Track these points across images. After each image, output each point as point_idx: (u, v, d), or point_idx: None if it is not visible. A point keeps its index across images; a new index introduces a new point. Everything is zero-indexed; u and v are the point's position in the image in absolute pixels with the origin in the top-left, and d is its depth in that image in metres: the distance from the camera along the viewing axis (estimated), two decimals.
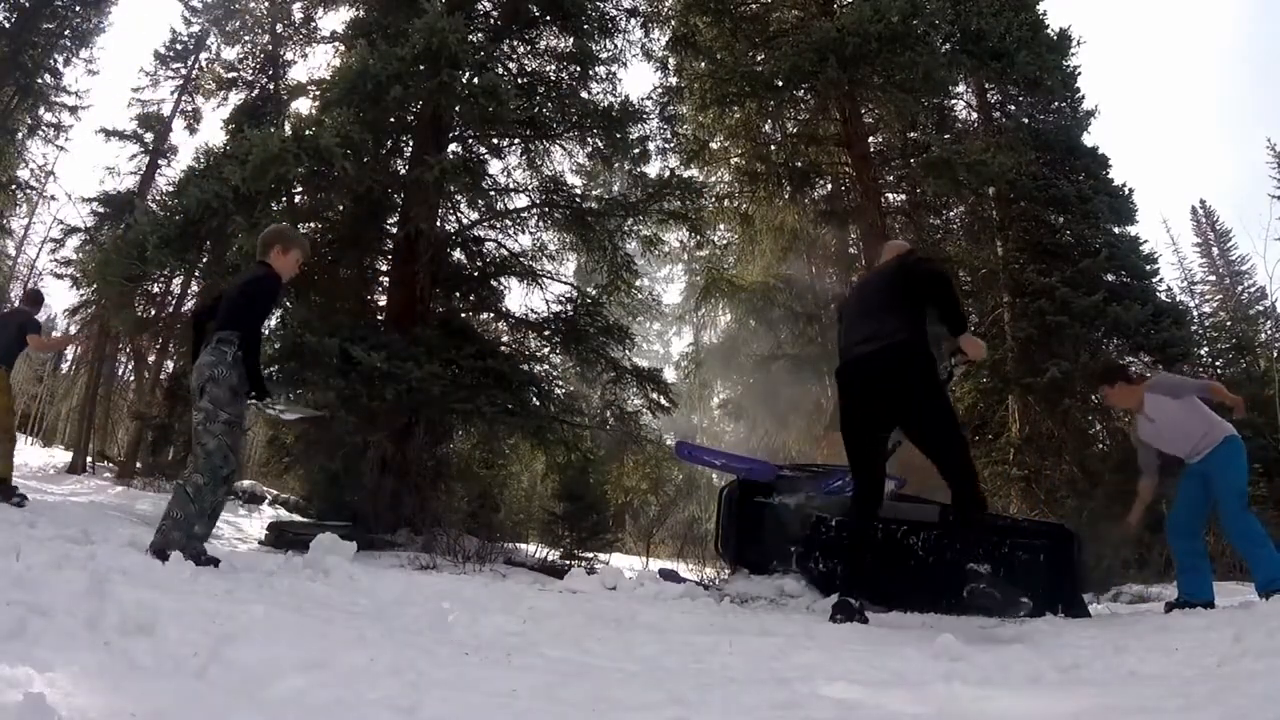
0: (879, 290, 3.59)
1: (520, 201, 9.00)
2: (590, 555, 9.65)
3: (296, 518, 9.16)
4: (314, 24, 10.51)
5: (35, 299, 6.76)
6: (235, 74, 11.46)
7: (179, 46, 15.03)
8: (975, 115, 12.07)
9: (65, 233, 14.92)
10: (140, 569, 2.70)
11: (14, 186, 15.58)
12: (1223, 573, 5.84)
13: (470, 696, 1.54)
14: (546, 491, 11.65)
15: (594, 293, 9.07)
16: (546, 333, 8.76)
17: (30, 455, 15.98)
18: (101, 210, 14.28)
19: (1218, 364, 12.29)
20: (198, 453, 3.44)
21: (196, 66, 14.90)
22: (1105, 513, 7.61)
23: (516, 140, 8.92)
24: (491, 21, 8.98)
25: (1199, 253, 20.70)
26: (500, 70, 8.31)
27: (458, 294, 8.90)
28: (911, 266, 3.47)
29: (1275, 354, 12.16)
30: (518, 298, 33.78)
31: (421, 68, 6.85)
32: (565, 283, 9.22)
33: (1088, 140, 11.26)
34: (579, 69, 8.92)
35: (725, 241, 11.94)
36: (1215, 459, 4.07)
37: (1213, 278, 20.40)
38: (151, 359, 15.26)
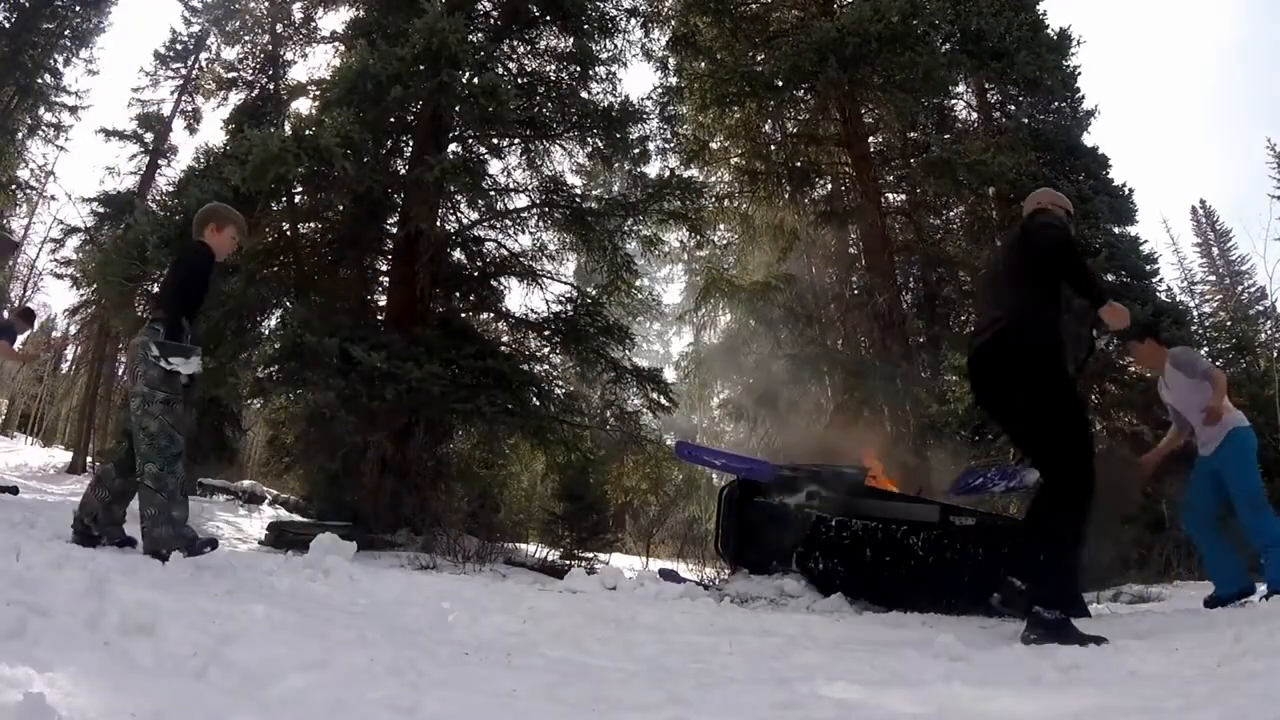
0: (1004, 260, 3.10)
1: (520, 201, 9.01)
2: (590, 555, 9.65)
3: (296, 518, 9.16)
4: (314, 24, 10.52)
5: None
6: (235, 74, 11.45)
7: (179, 46, 15.05)
8: (975, 115, 12.06)
9: (65, 233, 14.97)
10: (140, 569, 2.70)
11: (14, 186, 15.59)
12: None
13: (470, 696, 1.54)
14: (546, 491, 11.65)
15: (594, 293, 9.06)
16: (546, 333, 8.75)
17: (30, 455, 16.00)
18: (101, 210, 14.30)
19: (1218, 364, 12.28)
20: (141, 439, 3.36)
21: (196, 66, 14.92)
22: (1105, 513, 7.61)
23: (516, 140, 8.92)
24: (491, 21, 8.98)
25: (1199, 253, 20.73)
26: (500, 70, 8.31)
27: (458, 294, 8.89)
28: (1030, 233, 2.92)
29: (1275, 354, 12.16)
30: (518, 298, 33.79)
31: (421, 68, 6.85)
32: (565, 283, 9.23)
33: (1088, 140, 11.25)
34: (579, 69, 8.92)
35: (725, 241, 11.92)
36: (1223, 455, 4.02)
37: (1213, 278, 20.42)
38: None
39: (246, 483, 13.09)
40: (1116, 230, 10.60)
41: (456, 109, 7.59)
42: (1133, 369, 10.41)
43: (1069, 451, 2.72)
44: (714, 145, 11.03)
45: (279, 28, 10.91)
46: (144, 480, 3.33)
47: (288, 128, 7.53)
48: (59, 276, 15.17)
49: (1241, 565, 4.05)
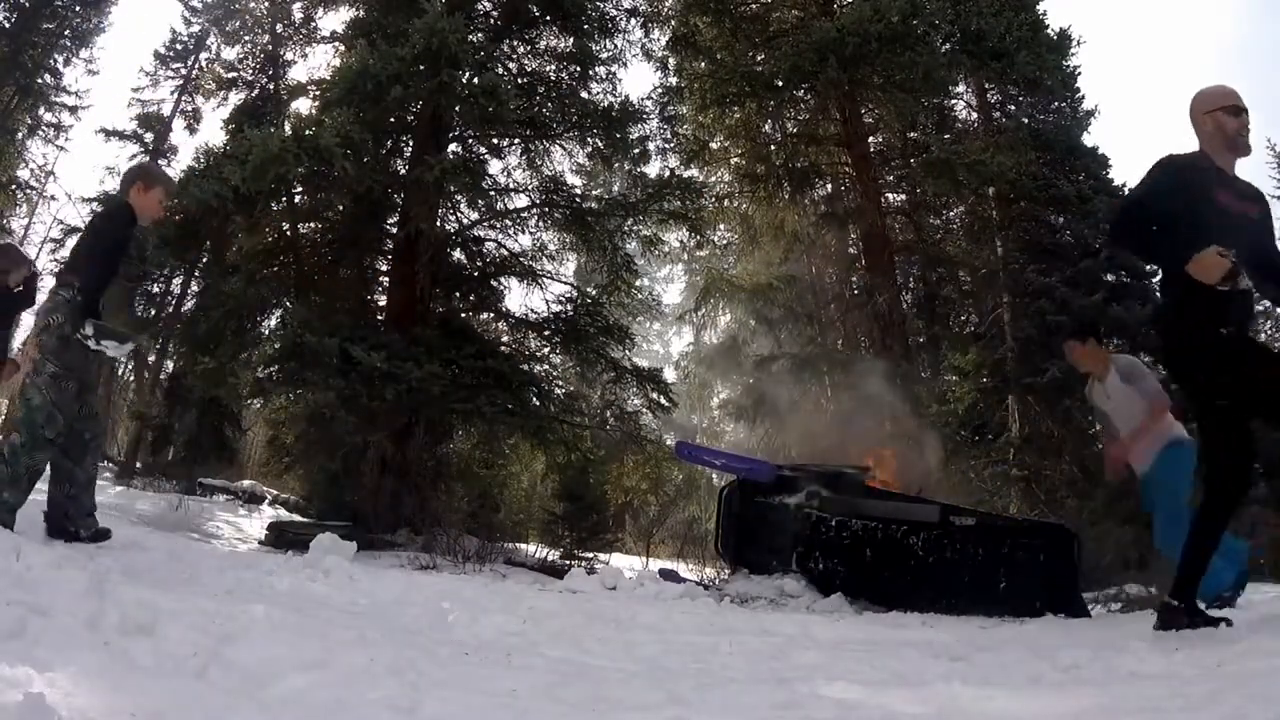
0: None
1: (520, 201, 9.01)
2: (590, 555, 9.64)
3: (296, 518, 9.15)
4: (314, 24, 10.49)
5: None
6: (235, 74, 11.44)
7: (179, 46, 15.05)
8: (975, 115, 12.06)
9: (65, 233, 14.91)
10: (140, 569, 2.70)
11: (14, 186, 15.57)
12: None
13: (470, 696, 1.54)
14: (546, 491, 11.64)
15: (594, 293, 9.06)
16: (546, 333, 8.75)
17: None
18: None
19: None
20: (20, 408, 3.14)
21: (196, 66, 14.91)
22: (1105, 512, 7.60)
23: (516, 140, 8.92)
24: (491, 21, 8.98)
25: None
26: (500, 70, 8.30)
27: (458, 294, 8.89)
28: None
29: None
30: (518, 298, 33.72)
31: (421, 68, 6.84)
32: (565, 283, 9.23)
33: (1088, 140, 11.24)
34: (579, 69, 8.91)
35: (725, 241, 11.92)
36: (1159, 465, 3.81)
37: None
38: (151, 359, 15.27)
39: (246, 483, 13.07)
40: None
41: (456, 109, 7.59)
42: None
43: (1211, 457, 2.55)
44: (714, 145, 11.03)
45: (279, 28, 10.90)
46: (2, 447, 3.10)
47: (288, 128, 7.53)
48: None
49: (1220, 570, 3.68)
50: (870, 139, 10.87)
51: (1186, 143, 2.73)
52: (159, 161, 15.01)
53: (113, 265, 3.34)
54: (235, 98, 11.24)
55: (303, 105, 10.03)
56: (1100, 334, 4.26)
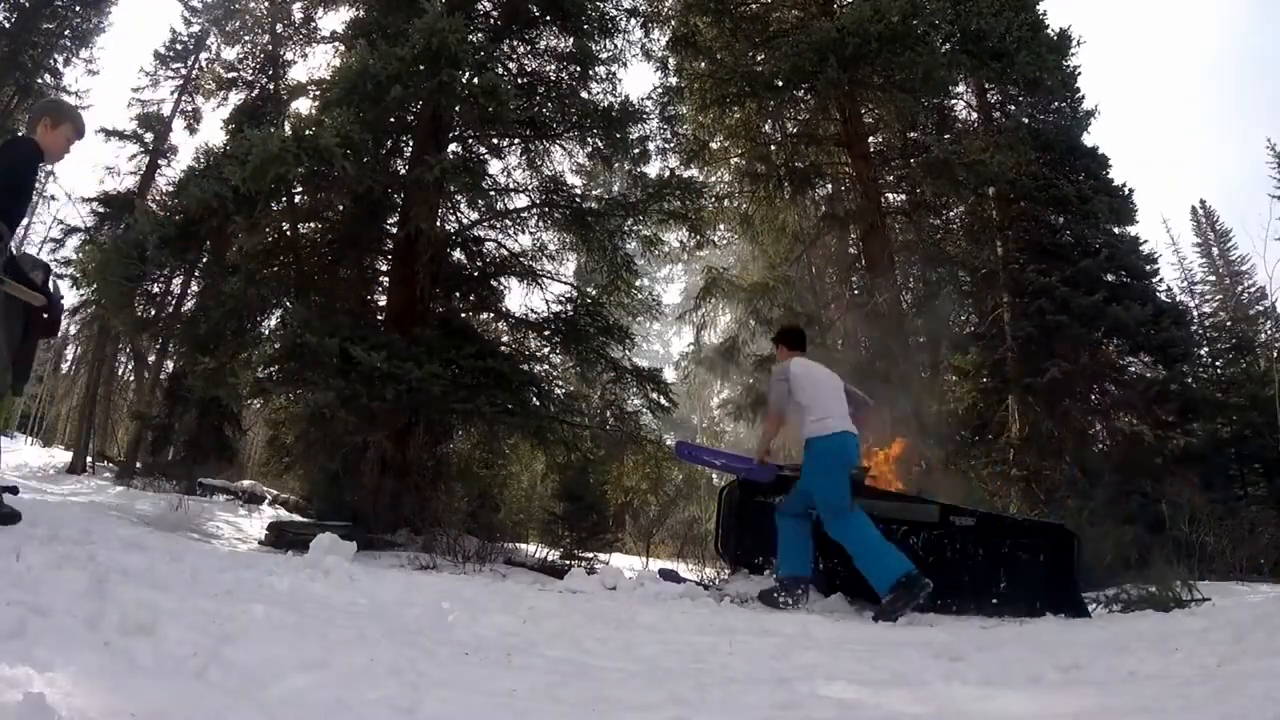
0: None
1: (520, 201, 9.01)
2: (590, 555, 9.64)
3: (296, 518, 9.17)
4: (314, 24, 10.51)
5: None
6: (235, 74, 11.47)
7: (179, 46, 15.09)
8: (975, 115, 12.07)
9: (65, 233, 14.93)
10: (140, 569, 2.70)
11: None
12: (1223, 572, 5.83)
13: (470, 696, 1.54)
14: (546, 491, 11.64)
15: (594, 293, 9.06)
16: (546, 333, 8.75)
17: (30, 455, 15.98)
18: (101, 210, 14.30)
19: (1218, 364, 12.28)
20: None
21: (196, 66, 14.95)
22: (1105, 513, 7.61)
23: (516, 140, 8.92)
24: (491, 21, 8.98)
25: (1199, 253, 20.60)
26: (500, 70, 8.31)
27: (458, 294, 8.89)
28: None
29: (1275, 354, 12.16)
30: (518, 298, 33.80)
31: (421, 68, 6.84)
32: (565, 283, 9.23)
33: (1088, 140, 11.27)
34: (579, 69, 8.91)
35: (725, 241, 11.92)
36: (804, 467, 4.19)
37: (1213, 278, 20.33)
38: (151, 359, 15.28)
39: (246, 483, 13.09)
40: (1116, 230, 10.62)
41: (456, 109, 7.59)
42: (1132, 369, 10.41)
43: None
44: (714, 145, 11.03)
45: (279, 28, 10.92)
46: None
47: (288, 128, 7.53)
48: (59, 276, 15.09)
49: (809, 557, 4.18)
50: (870, 139, 10.87)
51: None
52: (159, 161, 15.03)
53: (20, 203, 3.15)
54: (235, 98, 11.28)
55: (303, 105, 10.06)
56: (788, 338, 4.64)
